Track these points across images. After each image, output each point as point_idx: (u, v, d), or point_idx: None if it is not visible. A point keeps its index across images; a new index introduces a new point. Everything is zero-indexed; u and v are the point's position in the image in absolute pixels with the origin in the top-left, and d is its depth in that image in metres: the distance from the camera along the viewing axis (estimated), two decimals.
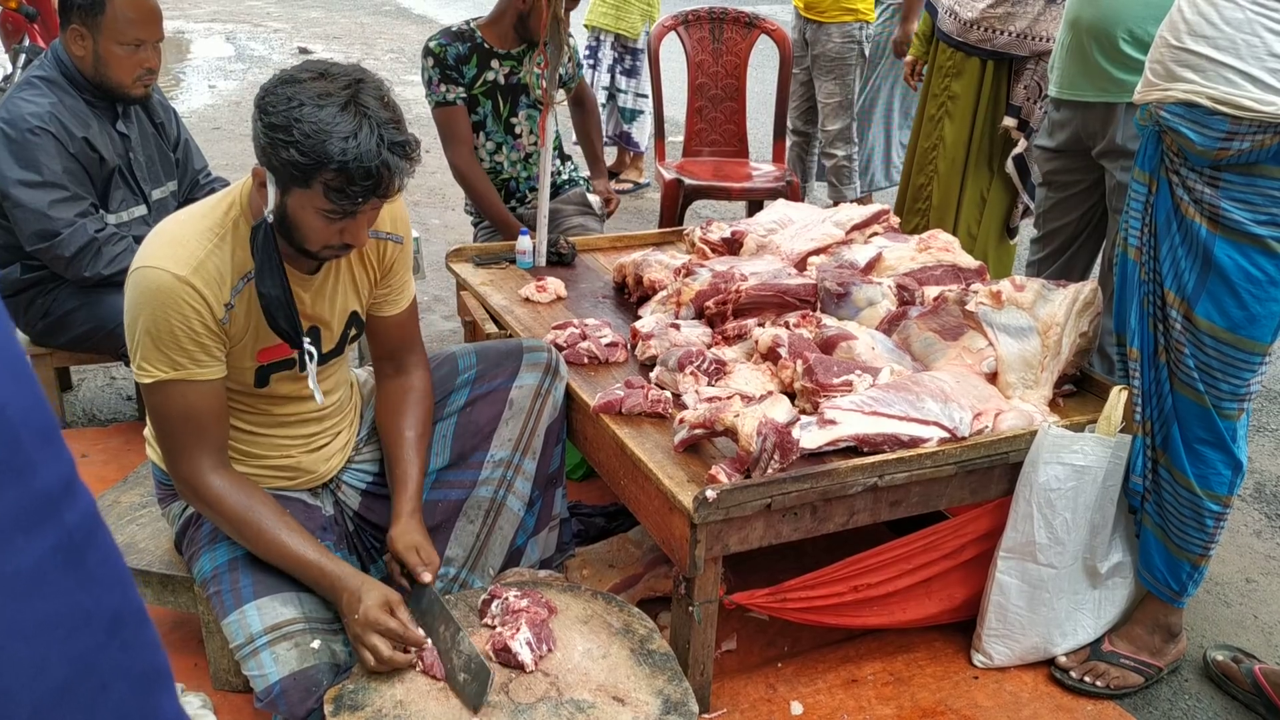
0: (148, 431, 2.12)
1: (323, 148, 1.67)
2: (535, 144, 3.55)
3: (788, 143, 5.27)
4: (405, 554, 2.00)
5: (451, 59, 3.41)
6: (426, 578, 1.97)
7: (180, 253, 1.80)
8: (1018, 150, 3.61)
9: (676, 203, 4.52)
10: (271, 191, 1.77)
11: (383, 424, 2.19)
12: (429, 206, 5.80)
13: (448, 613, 1.90)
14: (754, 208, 4.49)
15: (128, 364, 3.29)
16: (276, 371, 2.00)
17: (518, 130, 3.55)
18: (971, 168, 3.67)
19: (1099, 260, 3.17)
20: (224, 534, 1.97)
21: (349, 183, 1.70)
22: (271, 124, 1.70)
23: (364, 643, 1.80)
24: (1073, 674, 2.40)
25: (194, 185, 3.32)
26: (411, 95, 8.19)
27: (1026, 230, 3.55)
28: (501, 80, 3.47)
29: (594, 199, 3.78)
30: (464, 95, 3.43)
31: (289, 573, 1.91)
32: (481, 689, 1.77)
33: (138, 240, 2.68)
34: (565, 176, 3.77)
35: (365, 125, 1.70)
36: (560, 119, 3.60)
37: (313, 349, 1.97)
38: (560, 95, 3.39)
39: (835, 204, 4.08)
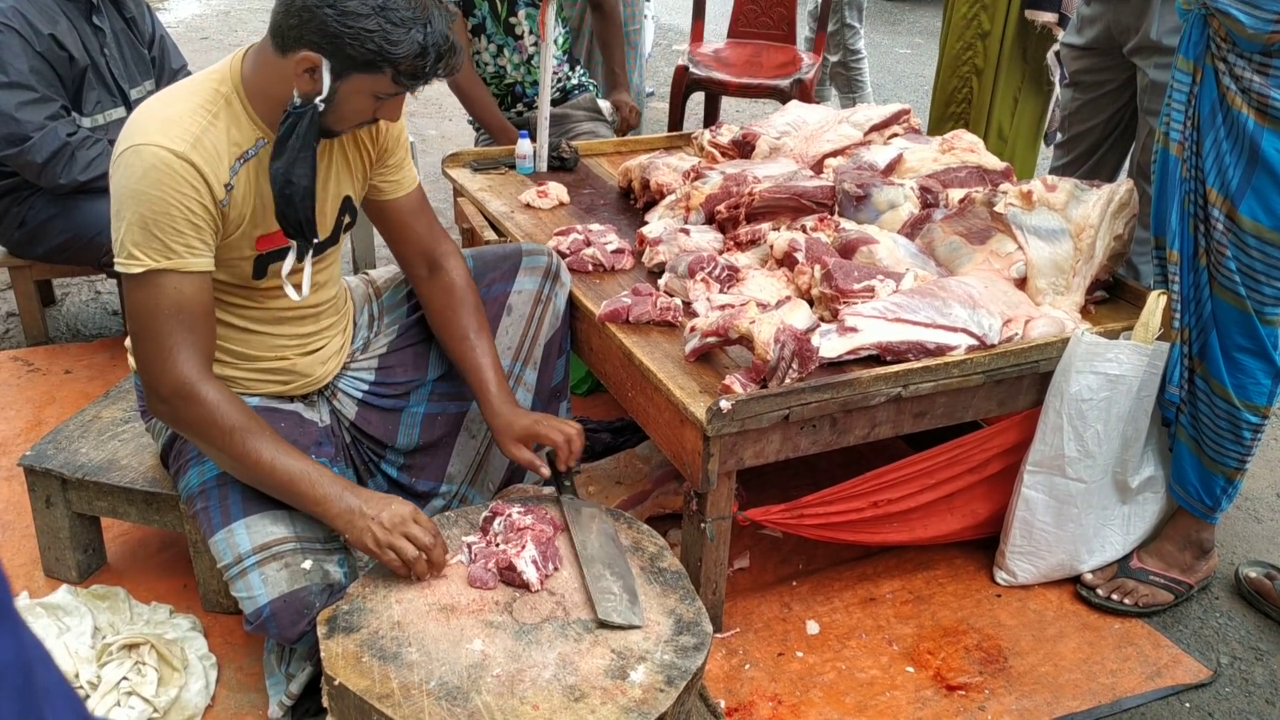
0: (129, 342, 1.98)
1: (407, 34, 1.68)
2: (537, 44, 3.36)
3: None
4: (546, 431, 1.96)
5: None
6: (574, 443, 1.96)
7: (174, 130, 1.69)
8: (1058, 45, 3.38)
9: (682, 89, 4.37)
10: (327, 77, 1.70)
11: (440, 330, 2.12)
12: (425, 117, 5.61)
13: (602, 529, 1.88)
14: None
15: (110, 274, 3.17)
16: (275, 261, 1.86)
17: (518, 31, 3.35)
18: (1005, 65, 3.45)
19: (1126, 165, 3.01)
20: None
21: (425, 66, 1.72)
22: (353, 12, 1.65)
23: (389, 543, 1.70)
24: (1100, 591, 2.31)
25: None
26: None
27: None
28: None
29: (605, 105, 3.59)
30: None
31: (286, 490, 1.75)
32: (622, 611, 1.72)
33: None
34: (575, 81, 3.57)
35: (432, 7, 1.73)
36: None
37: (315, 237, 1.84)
38: None
39: None
